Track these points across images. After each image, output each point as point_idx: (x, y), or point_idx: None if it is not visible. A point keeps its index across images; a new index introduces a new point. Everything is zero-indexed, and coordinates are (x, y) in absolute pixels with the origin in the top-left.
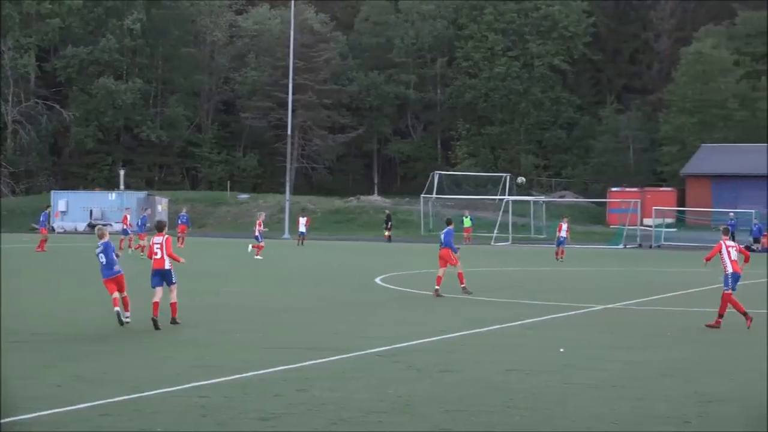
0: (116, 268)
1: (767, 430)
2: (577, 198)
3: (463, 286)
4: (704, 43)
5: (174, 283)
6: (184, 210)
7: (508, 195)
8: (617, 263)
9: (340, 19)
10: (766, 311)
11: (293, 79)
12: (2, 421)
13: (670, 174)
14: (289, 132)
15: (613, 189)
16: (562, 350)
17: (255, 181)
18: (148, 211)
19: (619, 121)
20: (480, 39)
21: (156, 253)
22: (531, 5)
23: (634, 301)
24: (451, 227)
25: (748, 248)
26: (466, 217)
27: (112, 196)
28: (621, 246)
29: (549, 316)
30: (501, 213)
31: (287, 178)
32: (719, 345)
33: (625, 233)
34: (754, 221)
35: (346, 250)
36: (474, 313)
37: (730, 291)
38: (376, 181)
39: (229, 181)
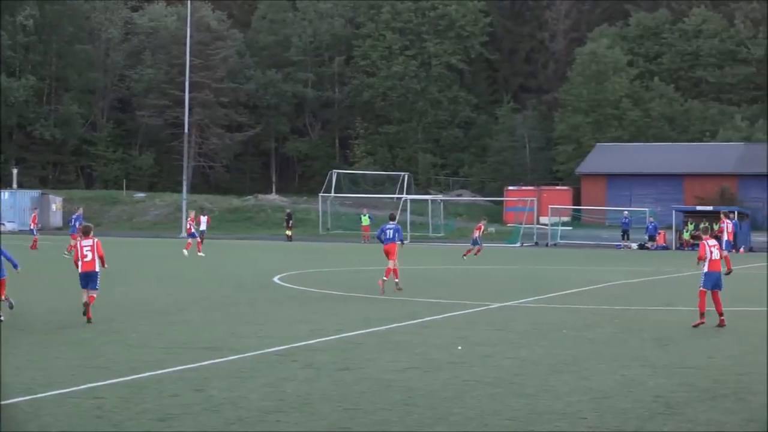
0: None
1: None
2: (474, 197)
3: (397, 280)
4: (598, 44)
5: (96, 290)
6: (80, 210)
7: (406, 193)
8: (514, 261)
9: (237, 16)
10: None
11: (190, 77)
12: None
13: (565, 173)
14: (185, 130)
15: (510, 188)
16: (459, 348)
17: (151, 180)
18: (80, 210)
19: (515, 120)
20: (377, 38)
21: (86, 256)
22: (428, 5)
23: (530, 298)
24: (394, 223)
25: (642, 246)
26: (365, 215)
27: (5, 195)
28: (518, 244)
29: (446, 314)
30: (399, 211)
31: (184, 177)
32: (612, 342)
33: (521, 232)
34: (649, 219)
35: (244, 249)
36: (372, 312)
37: (704, 290)
38: (273, 179)
39: (124, 180)
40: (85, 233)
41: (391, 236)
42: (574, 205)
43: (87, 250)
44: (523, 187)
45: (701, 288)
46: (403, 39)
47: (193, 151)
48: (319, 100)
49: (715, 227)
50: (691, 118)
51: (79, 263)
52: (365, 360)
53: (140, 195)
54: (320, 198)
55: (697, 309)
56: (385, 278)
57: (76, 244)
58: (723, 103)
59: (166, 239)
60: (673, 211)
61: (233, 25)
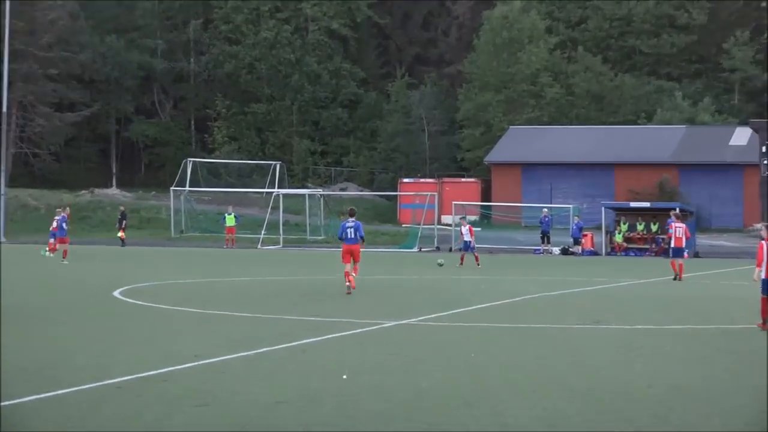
0: None
1: None
2: (361, 191)
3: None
4: (511, 6)
5: None
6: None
7: (279, 187)
8: (411, 270)
9: None
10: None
11: (9, 44)
12: None
13: (472, 162)
14: (4, 110)
15: (405, 180)
16: (344, 377)
17: None
18: (67, 210)
19: (411, 98)
20: None
21: None
22: None
23: (430, 315)
24: (354, 219)
25: (566, 251)
26: (229, 214)
27: None
28: (415, 249)
29: (329, 335)
30: (270, 209)
31: (2, 167)
32: (529, 367)
33: (420, 234)
34: (575, 219)
35: (77, 256)
36: (237, 333)
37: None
38: (114, 170)
39: None
40: None
41: (353, 235)
42: (482, 201)
43: None
44: (421, 180)
45: (763, 296)
46: None
47: (13, 135)
48: (170, 72)
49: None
50: (623, 96)
51: None
52: (229, 393)
53: None
54: (172, 193)
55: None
56: (348, 282)
57: None
58: (661, 78)
59: None
60: (603, 209)
61: None
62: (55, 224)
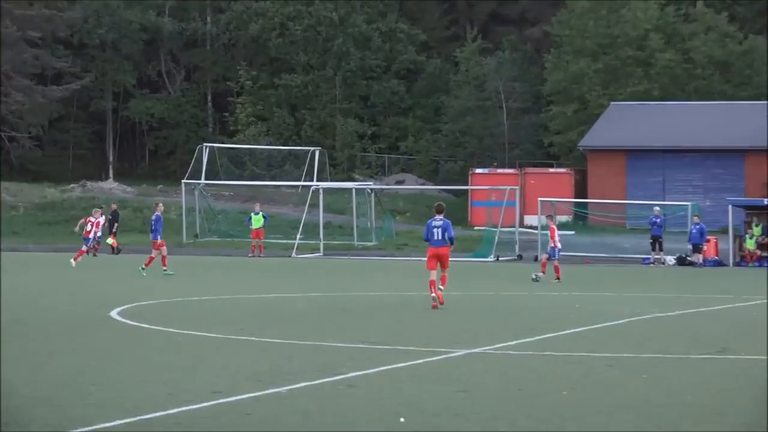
0: None
1: None
2: (422, 184)
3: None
4: None
5: None
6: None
7: (318, 180)
8: (486, 284)
9: None
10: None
11: None
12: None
13: (562, 147)
14: None
15: (478, 171)
16: (402, 420)
17: None
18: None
19: (485, 66)
20: None
21: None
22: None
23: (511, 342)
24: (443, 216)
25: (683, 260)
26: (256, 213)
27: None
28: (491, 258)
29: (381, 368)
30: (307, 208)
31: None
32: (640, 408)
33: (496, 239)
34: (694, 220)
35: (66, 267)
36: (266, 363)
37: None
38: (111, 158)
39: None
40: None
41: (440, 237)
42: (576, 198)
43: None
44: (499, 171)
45: None
46: None
47: None
48: (181, 35)
49: None
50: (755, 64)
51: None
52: None
53: None
54: (183, 187)
55: None
56: (434, 294)
57: None
58: None
59: None
60: (730, 207)
61: None
62: (89, 228)
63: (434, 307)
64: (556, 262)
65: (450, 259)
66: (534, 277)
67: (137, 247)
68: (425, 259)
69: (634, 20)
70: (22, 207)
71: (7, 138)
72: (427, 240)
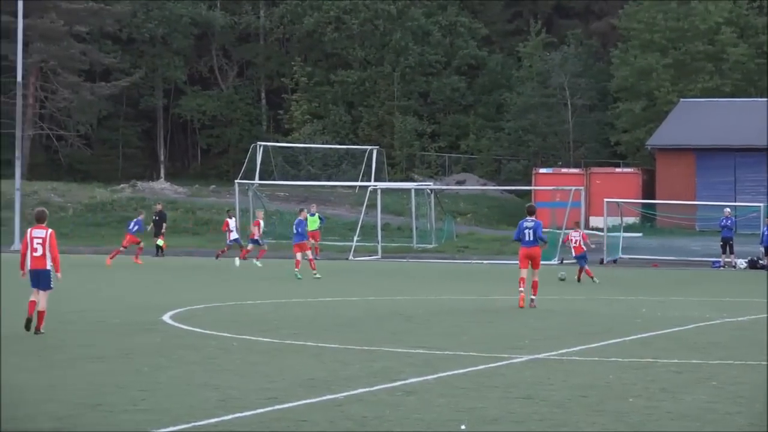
0: None
1: None
2: (484, 184)
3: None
4: None
5: (50, 289)
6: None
7: (376, 180)
8: (549, 288)
9: None
10: None
11: None
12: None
13: (630, 146)
14: (18, 78)
15: (542, 170)
16: (462, 427)
17: None
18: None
19: (549, 61)
20: None
21: (36, 250)
22: None
23: (575, 348)
24: (534, 217)
25: (755, 264)
26: (313, 215)
27: None
28: (555, 261)
29: (441, 374)
30: (364, 208)
31: (17, 154)
32: (704, 416)
33: (560, 241)
34: (767, 221)
35: (115, 270)
36: (321, 369)
37: None
38: (162, 157)
39: None
40: (39, 221)
41: (531, 237)
42: (644, 198)
43: (38, 243)
44: (563, 170)
45: None
46: None
47: (30, 113)
48: (233, 30)
49: None
50: None
51: (27, 258)
52: None
53: None
54: (237, 187)
55: None
56: (522, 288)
57: (26, 232)
58: None
59: None
60: None
61: None
62: (255, 231)
63: (521, 305)
64: (587, 267)
65: (505, 262)
66: (561, 276)
67: (190, 249)
68: (485, 262)
69: (705, 13)
70: (71, 208)
71: (55, 137)
72: (518, 240)
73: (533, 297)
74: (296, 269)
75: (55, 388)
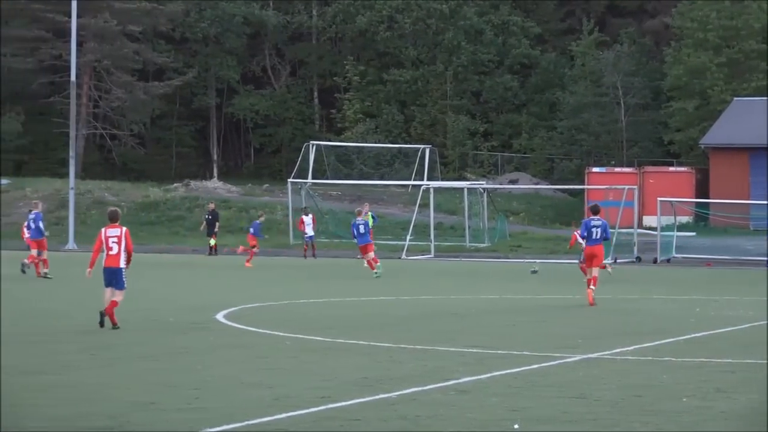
0: None
1: None
2: (537, 184)
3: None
4: None
5: (123, 288)
6: (39, 207)
7: (429, 179)
8: (602, 288)
9: None
10: None
11: None
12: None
13: (683, 145)
14: (72, 78)
15: (595, 169)
16: (516, 426)
17: (18, 157)
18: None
19: (602, 60)
20: None
21: (111, 249)
22: None
23: (627, 348)
24: (599, 216)
25: None
26: (366, 213)
27: None
28: (609, 260)
29: (494, 373)
30: (417, 208)
31: (71, 153)
32: (757, 419)
33: (614, 240)
34: None
35: (169, 269)
36: (373, 369)
37: None
38: (215, 157)
39: None
40: (112, 220)
41: (598, 236)
42: (698, 198)
43: (113, 242)
44: (616, 169)
45: None
46: None
47: (84, 112)
48: (286, 29)
49: None
50: None
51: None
52: None
53: (3, 182)
54: (290, 186)
55: None
56: (593, 287)
57: (101, 232)
58: None
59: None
60: None
61: None
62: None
63: (591, 303)
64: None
65: (559, 261)
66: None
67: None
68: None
69: (759, 12)
70: (125, 207)
71: (109, 136)
72: (584, 238)
73: (593, 286)
74: (373, 270)
75: (108, 386)
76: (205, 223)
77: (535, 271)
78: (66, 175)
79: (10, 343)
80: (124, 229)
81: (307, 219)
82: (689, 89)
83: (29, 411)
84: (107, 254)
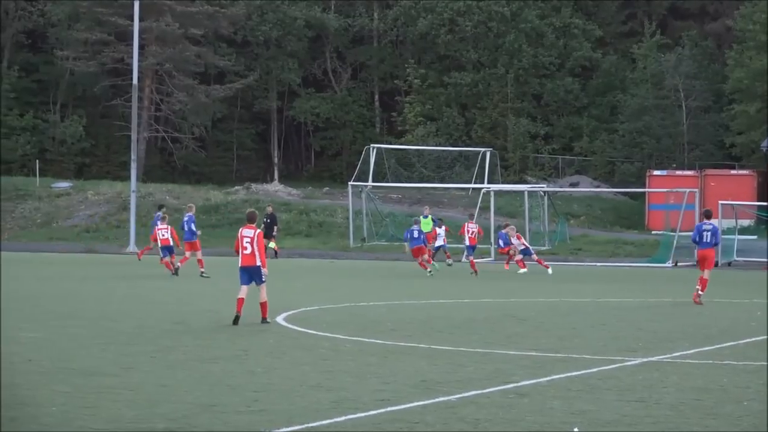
0: None
1: None
2: (598, 186)
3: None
4: None
5: (263, 282)
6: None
7: (489, 182)
8: (663, 290)
9: None
10: None
11: None
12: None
13: (745, 148)
14: (134, 81)
15: (656, 172)
16: (576, 430)
17: (80, 161)
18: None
19: (663, 63)
20: None
21: (245, 248)
22: None
23: (689, 351)
24: (711, 221)
25: None
26: (425, 217)
27: None
28: (669, 264)
29: (553, 376)
30: (477, 210)
31: (132, 156)
32: None
33: (675, 243)
34: None
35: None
36: (433, 372)
37: None
38: (276, 160)
39: (37, 161)
40: (250, 221)
41: (709, 240)
42: (759, 201)
43: (247, 242)
44: (678, 172)
45: None
46: None
47: (146, 115)
48: (347, 32)
49: None
50: None
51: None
52: None
53: (63, 185)
54: (350, 189)
55: None
56: (700, 291)
57: (239, 232)
58: None
59: (105, 255)
60: None
61: None
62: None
63: (696, 302)
64: (472, 258)
65: (619, 264)
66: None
67: (303, 251)
68: (598, 264)
69: None
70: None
71: (171, 139)
72: (695, 242)
73: (701, 292)
74: (427, 270)
75: (168, 388)
76: (263, 226)
77: (450, 264)
78: (127, 178)
79: (85, 347)
80: (258, 231)
81: (440, 230)
82: (751, 92)
83: (87, 412)
84: (242, 254)
